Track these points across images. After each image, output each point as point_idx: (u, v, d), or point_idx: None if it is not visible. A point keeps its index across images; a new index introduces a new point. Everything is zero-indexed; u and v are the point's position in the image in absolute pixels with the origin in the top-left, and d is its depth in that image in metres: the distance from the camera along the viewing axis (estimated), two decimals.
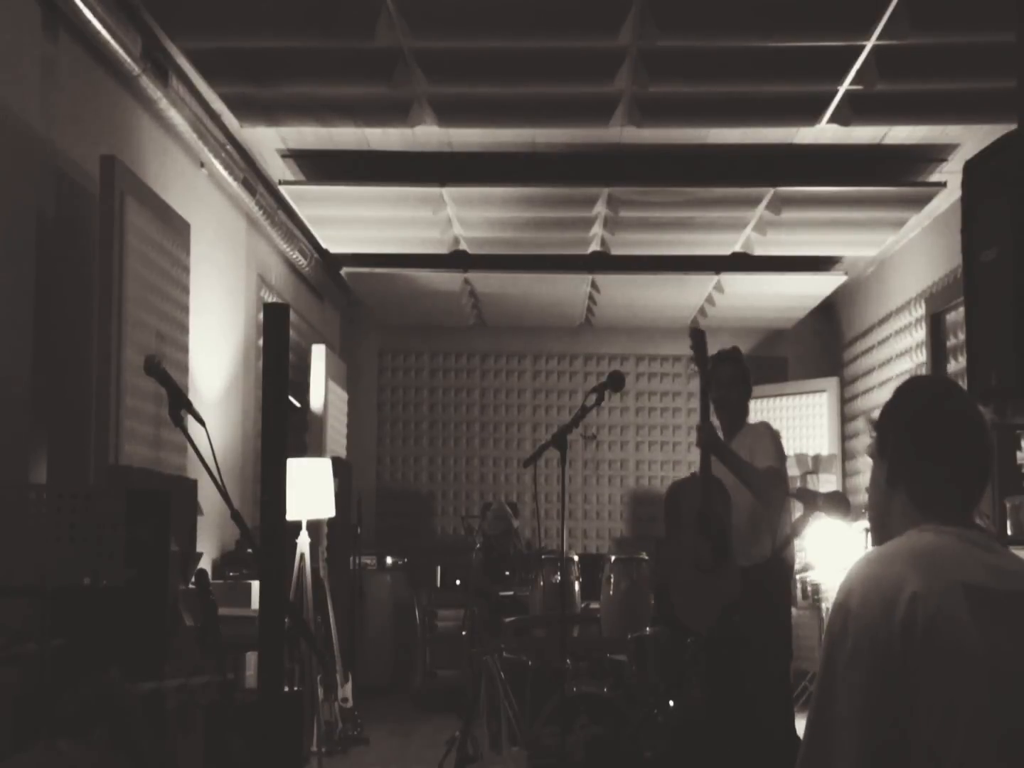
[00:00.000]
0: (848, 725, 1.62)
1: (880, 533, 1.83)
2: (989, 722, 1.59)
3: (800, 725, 1.82)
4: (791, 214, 6.54)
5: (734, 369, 4.81)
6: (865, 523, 1.98)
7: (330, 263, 7.99)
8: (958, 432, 1.82)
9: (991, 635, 1.62)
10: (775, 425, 8.07)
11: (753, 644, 4.19)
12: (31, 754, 2.62)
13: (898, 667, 1.61)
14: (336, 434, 8.09)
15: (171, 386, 2.91)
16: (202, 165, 5.71)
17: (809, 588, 7.36)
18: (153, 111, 4.99)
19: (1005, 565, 1.73)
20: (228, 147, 5.72)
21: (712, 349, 4.68)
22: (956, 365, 6.54)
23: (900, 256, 7.69)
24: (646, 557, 6.13)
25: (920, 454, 1.80)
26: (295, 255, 7.35)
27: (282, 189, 6.49)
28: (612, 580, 5.74)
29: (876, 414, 1.93)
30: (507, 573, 7.22)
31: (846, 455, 8.76)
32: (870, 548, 1.81)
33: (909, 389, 1.92)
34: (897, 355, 7.61)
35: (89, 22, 4.07)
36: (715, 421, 4.67)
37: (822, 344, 9.42)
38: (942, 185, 6.24)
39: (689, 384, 9.52)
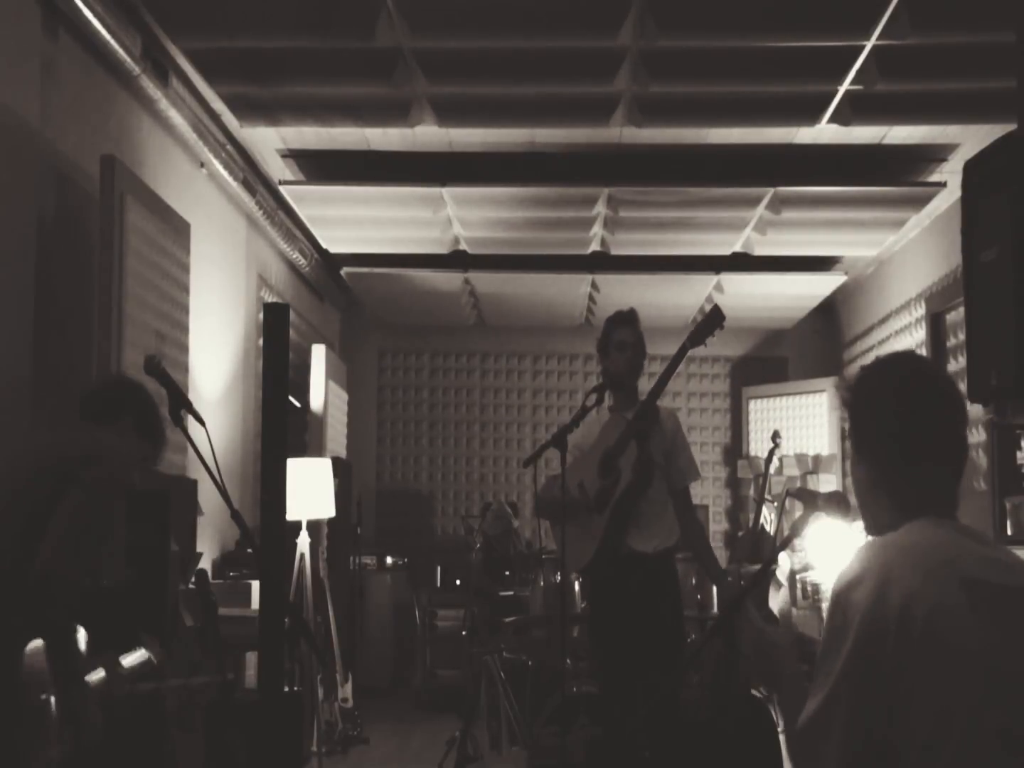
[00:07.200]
0: (841, 716, 1.61)
1: (872, 529, 1.83)
2: (986, 718, 1.58)
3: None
4: (791, 214, 6.54)
5: (636, 333, 4.37)
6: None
7: (330, 263, 7.99)
8: (947, 423, 1.79)
9: (989, 630, 1.61)
10: (775, 425, 8.07)
11: (655, 631, 4.15)
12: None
13: (895, 661, 1.60)
14: (336, 434, 8.09)
15: (171, 386, 2.91)
16: (202, 165, 5.71)
17: (809, 588, 7.36)
18: (153, 111, 4.99)
19: (1001, 558, 1.72)
20: (228, 147, 5.72)
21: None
22: (956, 365, 6.54)
23: (900, 256, 7.69)
24: None
25: (909, 450, 1.78)
26: (295, 255, 7.35)
27: (282, 189, 6.49)
28: None
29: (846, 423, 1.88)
30: (507, 573, 7.22)
31: (846, 455, 8.76)
32: (869, 539, 1.80)
33: (884, 383, 1.84)
34: None
35: (89, 22, 4.07)
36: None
37: (822, 344, 9.41)
38: (942, 185, 6.23)
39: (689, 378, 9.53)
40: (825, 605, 7.19)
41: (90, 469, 2.69)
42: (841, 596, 1.67)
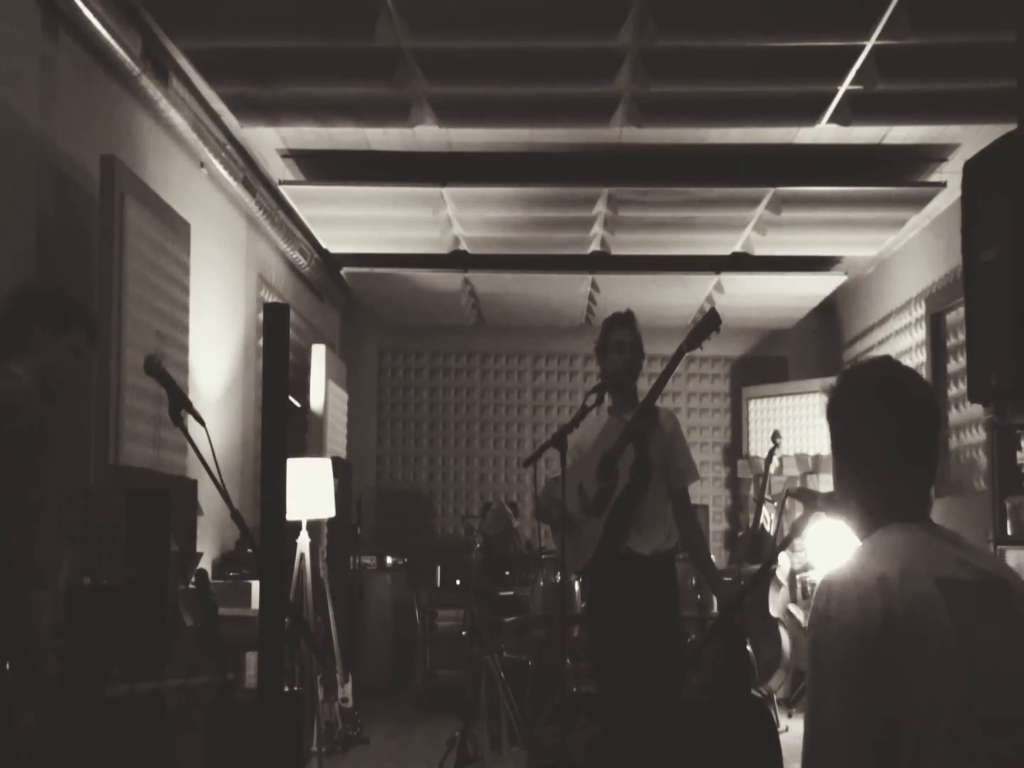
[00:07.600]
0: (844, 727, 1.64)
1: (855, 531, 1.86)
2: (971, 711, 1.62)
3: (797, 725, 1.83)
4: (791, 214, 6.55)
5: (633, 333, 4.35)
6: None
7: (330, 263, 7.99)
8: (920, 428, 1.82)
9: (965, 626, 1.65)
10: (775, 425, 8.06)
11: (653, 632, 4.14)
12: None
13: (883, 664, 1.63)
14: (336, 434, 8.09)
15: (171, 386, 2.91)
16: (202, 165, 5.71)
17: (809, 588, 7.36)
18: (153, 111, 4.99)
19: (971, 557, 1.76)
20: (228, 147, 5.72)
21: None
22: (956, 365, 6.54)
23: (900, 256, 7.69)
24: None
25: (885, 456, 1.80)
26: (295, 255, 7.35)
27: (282, 189, 6.49)
28: None
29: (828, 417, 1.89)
30: (507, 573, 7.22)
31: None
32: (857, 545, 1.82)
33: (864, 387, 1.86)
34: (897, 355, 7.61)
35: (89, 22, 4.07)
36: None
37: (822, 344, 9.42)
38: (942, 185, 6.24)
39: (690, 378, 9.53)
40: None
41: (5, 423, 2.64)
42: (821, 608, 1.70)
